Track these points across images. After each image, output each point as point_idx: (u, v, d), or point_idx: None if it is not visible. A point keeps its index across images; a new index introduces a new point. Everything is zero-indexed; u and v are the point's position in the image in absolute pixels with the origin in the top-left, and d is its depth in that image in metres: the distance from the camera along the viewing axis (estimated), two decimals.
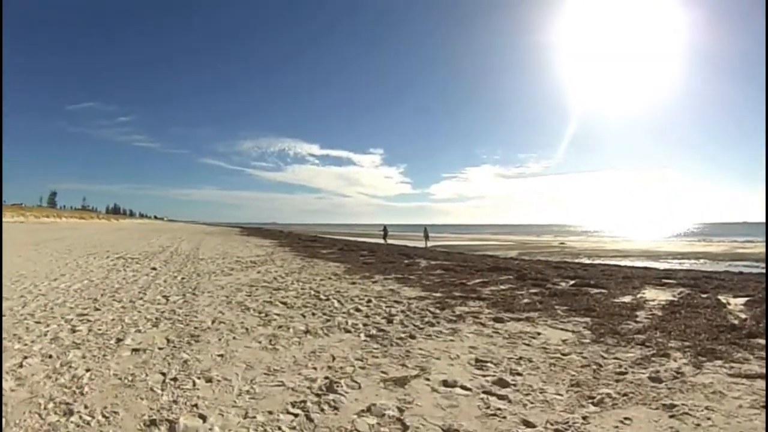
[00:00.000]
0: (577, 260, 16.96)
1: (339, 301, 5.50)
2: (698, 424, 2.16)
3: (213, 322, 4.38)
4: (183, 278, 7.60)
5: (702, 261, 16.12)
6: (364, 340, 3.74)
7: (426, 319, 4.45)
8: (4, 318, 4.34)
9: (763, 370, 2.85)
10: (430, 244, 27.85)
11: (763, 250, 18.41)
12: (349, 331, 4.04)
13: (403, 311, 4.87)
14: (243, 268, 9.37)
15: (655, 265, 13.94)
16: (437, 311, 4.84)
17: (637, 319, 4.37)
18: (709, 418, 2.22)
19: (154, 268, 8.95)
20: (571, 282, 7.01)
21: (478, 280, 7.23)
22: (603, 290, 6.14)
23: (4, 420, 2.23)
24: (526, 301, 5.39)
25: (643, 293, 5.93)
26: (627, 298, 5.53)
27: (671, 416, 2.26)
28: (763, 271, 10.17)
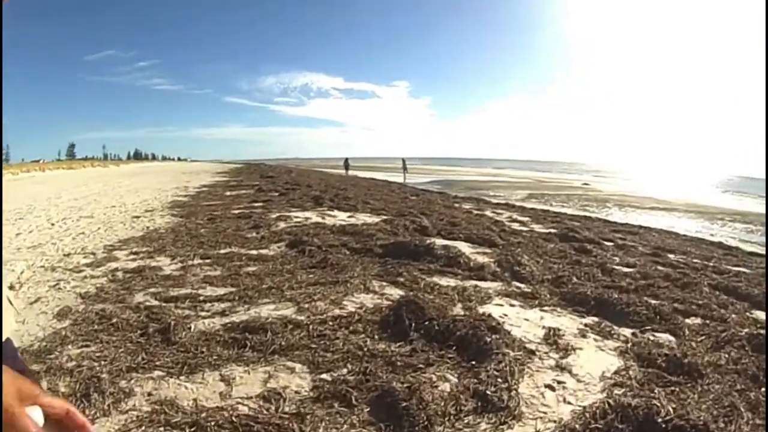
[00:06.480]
0: (604, 212, 12.51)
1: None
2: None
3: None
4: None
5: None
6: None
7: None
8: None
9: None
10: (409, 179, 23.54)
11: None
12: None
13: None
14: None
15: (720, 232, 9.70)
16: None
17: None
18: None
19: None
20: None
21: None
22: None
23: None
24: None
25: None
26: None
27: None
28: None
